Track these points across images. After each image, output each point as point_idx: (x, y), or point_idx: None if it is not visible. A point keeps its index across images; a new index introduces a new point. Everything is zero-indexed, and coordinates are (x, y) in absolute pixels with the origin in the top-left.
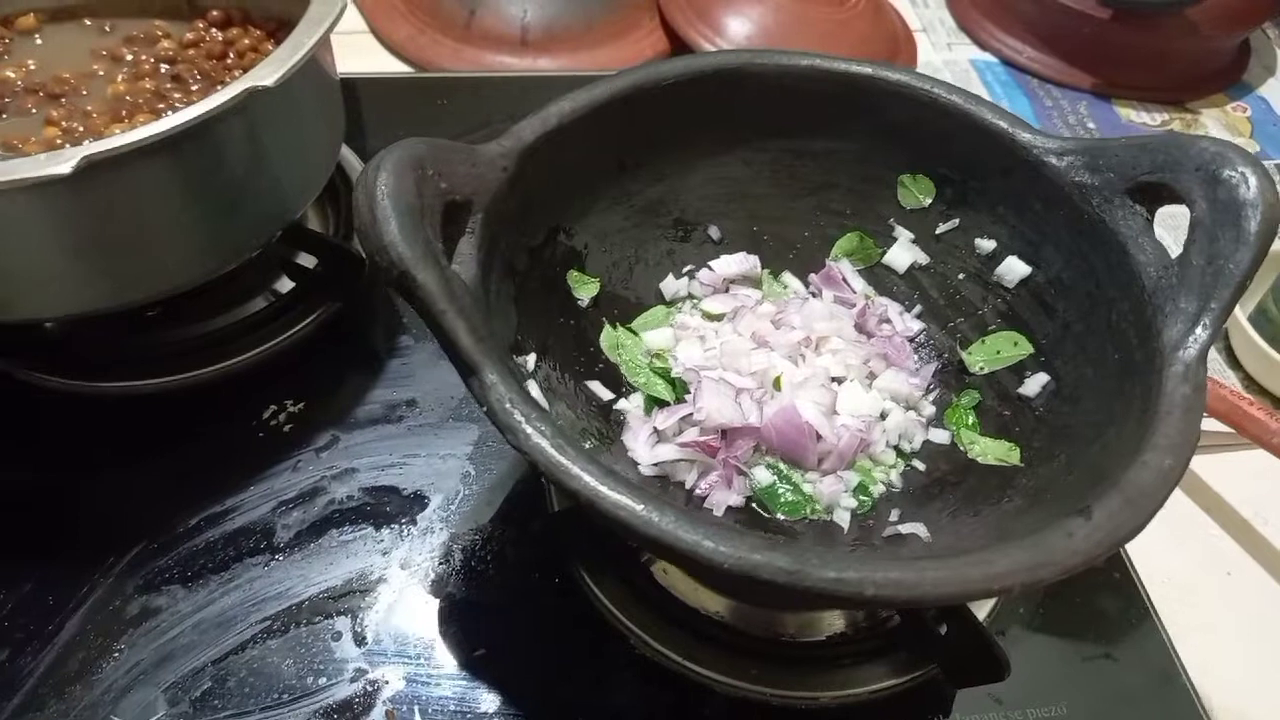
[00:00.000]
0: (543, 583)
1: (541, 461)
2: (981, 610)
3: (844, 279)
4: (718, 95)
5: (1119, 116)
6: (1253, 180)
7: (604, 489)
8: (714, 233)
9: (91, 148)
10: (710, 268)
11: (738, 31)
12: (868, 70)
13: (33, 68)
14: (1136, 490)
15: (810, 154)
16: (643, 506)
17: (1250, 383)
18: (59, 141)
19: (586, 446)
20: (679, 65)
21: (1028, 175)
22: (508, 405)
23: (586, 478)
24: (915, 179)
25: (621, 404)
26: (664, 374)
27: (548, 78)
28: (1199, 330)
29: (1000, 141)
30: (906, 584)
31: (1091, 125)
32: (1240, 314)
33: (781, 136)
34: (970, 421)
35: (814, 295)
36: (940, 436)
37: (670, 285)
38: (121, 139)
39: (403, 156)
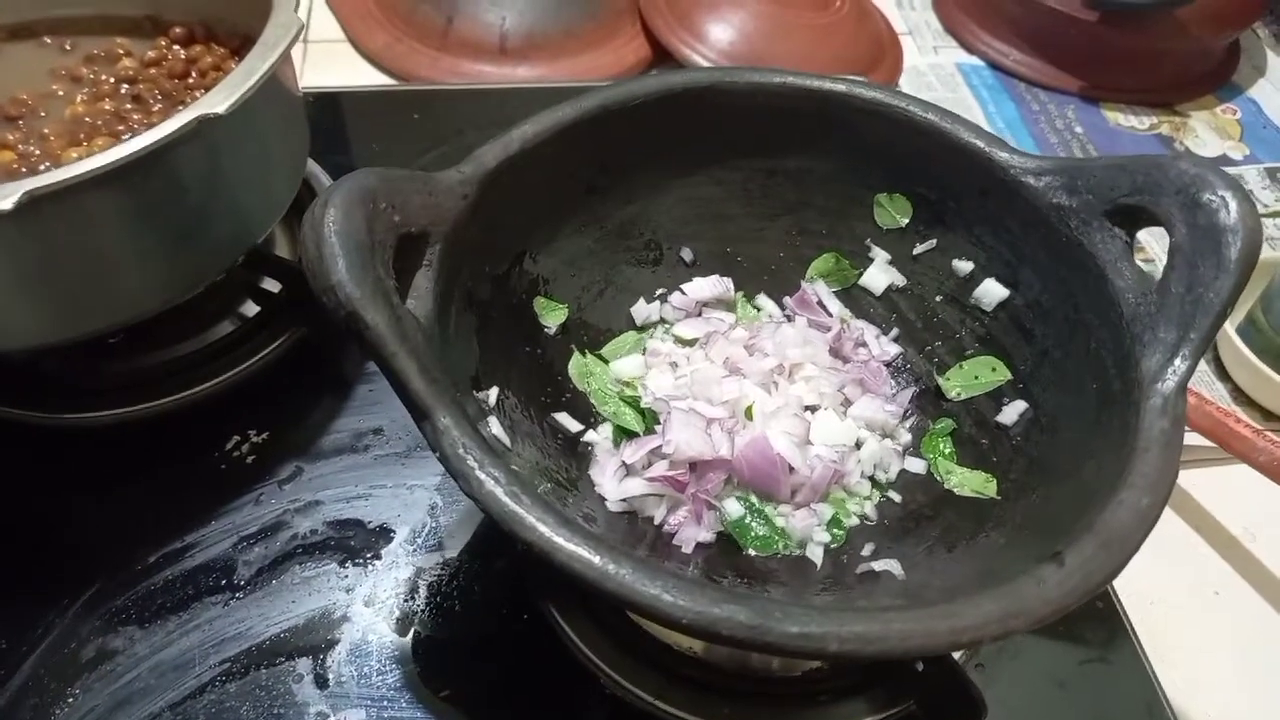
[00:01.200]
0: (511, 620)
1: (494, 510)
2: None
3: (819, 302)
4: (689, 114)
5: (1107, 120)
6: (1233, 205)
7: (559, 539)
8: (686, 255)
9: (32, 182)
10: (682, 291)
11: (719, 38)
12: (842, 88)
13: None
14: (1112, 533)
15: (784, 173)
16: (599, 558)
17: (1239, 394)
18: (15, 166)
19: (544, 488)
20: (648, 84)
21: (1005, 195)
22: (460, 450)
23: (541, 528)
24: (892, 198)
25: (590, 435)
26: (634, 403)
27: (527, 89)
28: (1178, 361)
29: (977, 161)
30: (872, 638)
31: (1079, 129)
32: (1229, 325)
33: (755, 155)
34: (947, 451)
35: (789, 318)
36: (917, 466)
37: (642, 310)
38: (65, 172)
39: (352, 190)
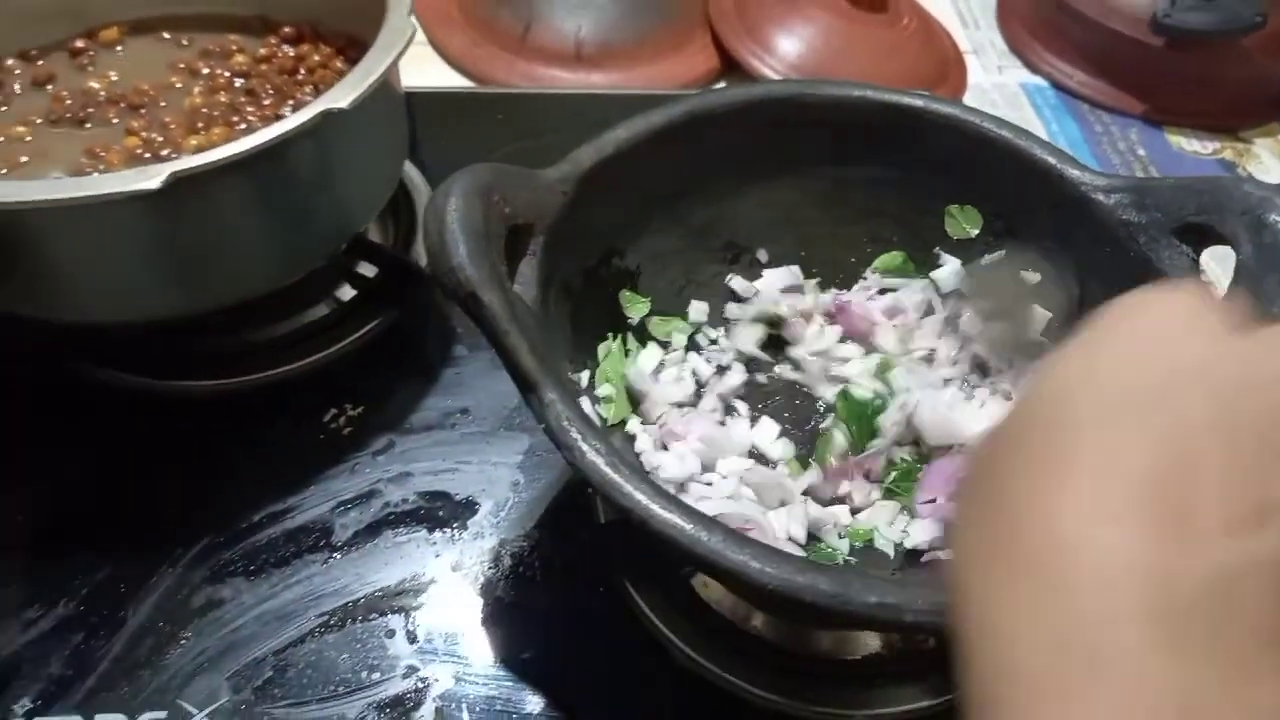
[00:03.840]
0: (588, 591)
1: (596, 479)
2: None
3: (864, 314)
4: (771, 123)
5: (1170, 144)
6: None
7: (655, 507)
8: (762, 255)
9: (179, 164)
10: (755, 279)
11: (788, 51)
12: (919, 102)
13: (114, 79)
14: None
15: (860, 182)
16: (691, 526)
17: None
18: (139, 151)
19: None
20: (734, 94)
21: (1075, 211)
22: (565, 423)
23: (639, 496)
24: (963, 210)
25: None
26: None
27: (603, 94)
28: None
29: (1048, 177)
30: (946, 610)
31: (1142, 152)
32: None
33: (832, 164)
34: None
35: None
36: None
37: (699, 309)
38: (206, 156)
39: (471, 183)
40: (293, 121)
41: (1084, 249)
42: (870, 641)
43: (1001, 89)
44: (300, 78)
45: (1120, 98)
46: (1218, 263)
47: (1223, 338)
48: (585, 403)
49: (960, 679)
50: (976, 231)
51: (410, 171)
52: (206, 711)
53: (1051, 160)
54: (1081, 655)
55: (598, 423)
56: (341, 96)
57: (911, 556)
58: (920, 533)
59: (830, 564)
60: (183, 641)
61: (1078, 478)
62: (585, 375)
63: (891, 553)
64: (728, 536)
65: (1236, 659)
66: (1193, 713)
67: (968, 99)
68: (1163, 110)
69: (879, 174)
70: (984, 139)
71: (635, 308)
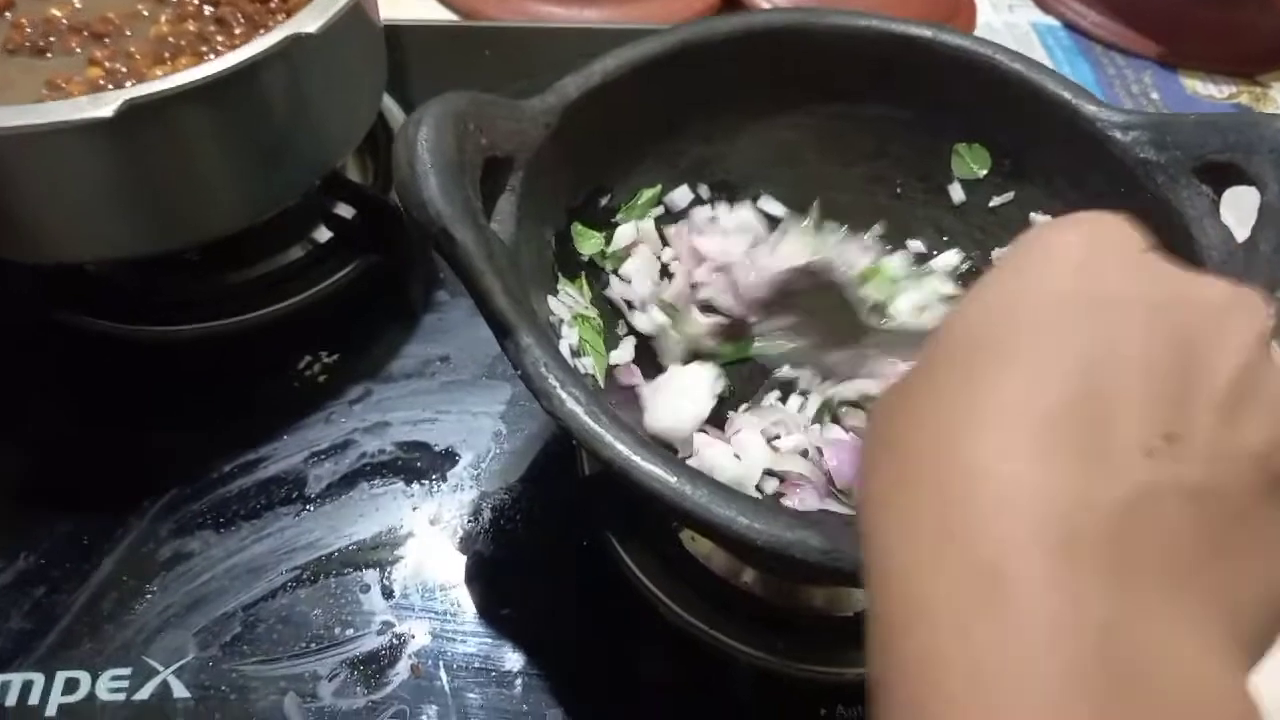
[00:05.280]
0: (571, 545)
1: (575, 428)
2: None
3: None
4: (770, 55)
5: (1184, 88)
6: None
7: (637, 459)
8: (758, 198)
9: (133, 91)
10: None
11: None
12: (927, 33)
13: (77, 6)
14: None
15: (864, 119)
16: (676, 479)
17: None
18: (102, 82)
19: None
20: (729, 22)
21: (1090, 149)
22: (542, 369)
23: (620, 446)
24: (971, 148)
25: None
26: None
27: (595, 30)
28: None
29: (1062, 113)
30: None
31: (1155, 96)
32: None
33: (835, 100)
34: None
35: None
36: None
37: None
38: (163, 83)
39: (444, 110)
40: (257, 47)
41: (1097, 189)
42: (862, 598)
43: (1012, 28)
44: (274, 5)
45: (1135, 39)
46: (1230, 209)
47: (1145, 264)
48: (563, 346)
49: (866, 617)
50: (985, 172)
51: (392, 108)
52: (172, 668)
53: (1066, 95)
54: (983, 584)
55: (577, 369)
56: (310, 21)
57: None
58: None
59: (822, 520)
60: (148, 596)
61: (987, 406)
62: (566, 314)
63: None
64: (715, 490)
65: (1151, 583)
66: (1099, 644)
67: None
68: (1178, 53)
69: (883, 111)
70: (995, 72)
71: (587, 243)
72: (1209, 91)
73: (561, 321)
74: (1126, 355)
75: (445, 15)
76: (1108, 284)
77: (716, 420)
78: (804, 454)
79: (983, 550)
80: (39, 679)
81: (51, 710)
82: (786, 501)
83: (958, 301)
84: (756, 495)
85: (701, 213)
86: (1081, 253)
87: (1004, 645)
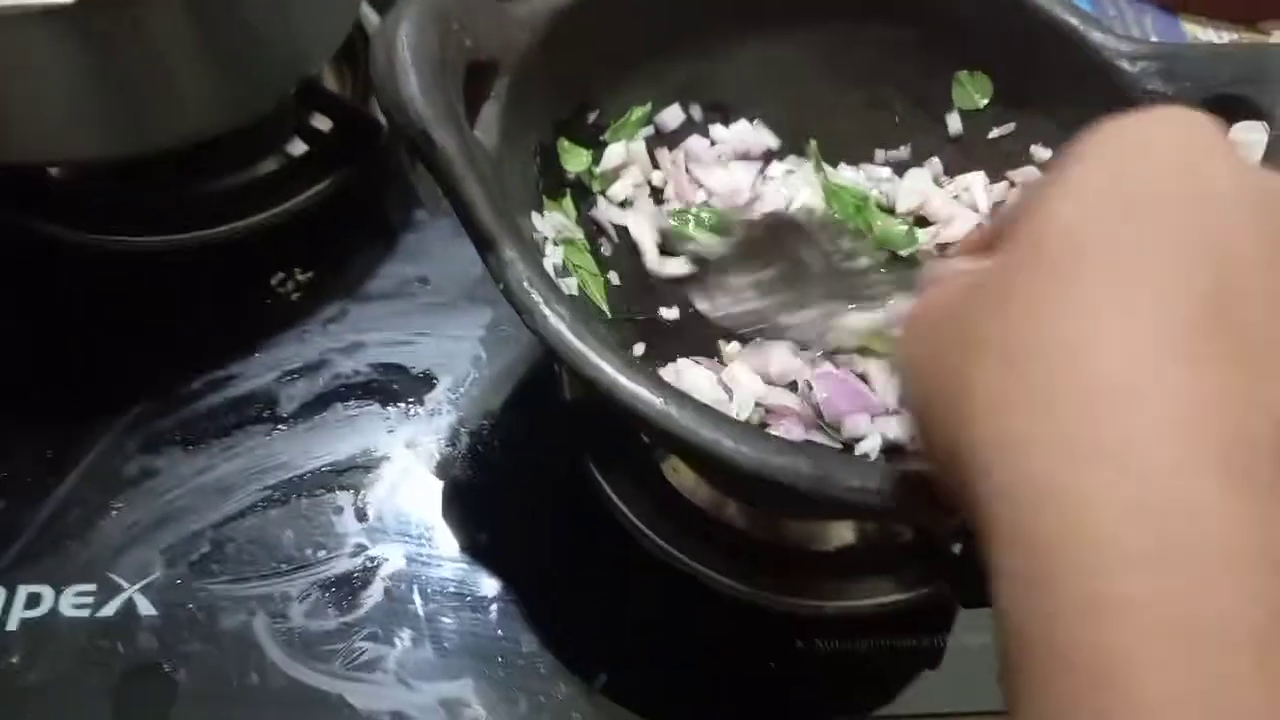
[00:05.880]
0: (550, 473)
1: (558, 346)
2: None
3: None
4: None
5: (1185, 33)
6: None
7: (622, 379)
8: (752, 119)
9: None
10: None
11: None
12: None
13: None
14: None
15: (864, 41)
16: (661, 400)
17: None
18: None
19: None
20: None
21: (1096, 79)
22: (525, 284)
23: (604, 365)
24: (973, 76)
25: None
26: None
27: None
28: None
29: (1069, 40)
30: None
31: (1155, 40)
32: None
33: (834, 19)
34: None
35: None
36: None
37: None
38: None
39: (427, 6)
40: None
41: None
42: (844, 534)
43: None
44: None
45: None
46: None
47: (1240, 162)
48: (548, 263)
49: (986, 555)
50: (986, 101)
51: (371, 17)
52: (138, 586)
53: (1074, 21)
54: (1154, 517)
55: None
56: None
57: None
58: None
59: (811, 447)
60: (113, 512)
61: (1119, 314)
62: (550, 228)
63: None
64: (701, 412)
65: None
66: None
67: None
68: None
69: (887, 33)
70: None
71: (574, 160)
72: (1209, 37)
73: (546, 240)
74: (1243, 255)
75: None
76: (1215, 182)
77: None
78: (792, 386)
79: (1147, 479)
80: (0, 593)
81: (13, 625)
82: (771, 432)
83: (1030, 196)
84: None
85: (698, 142)
86: (1183, 150)
87: (1200, 586)
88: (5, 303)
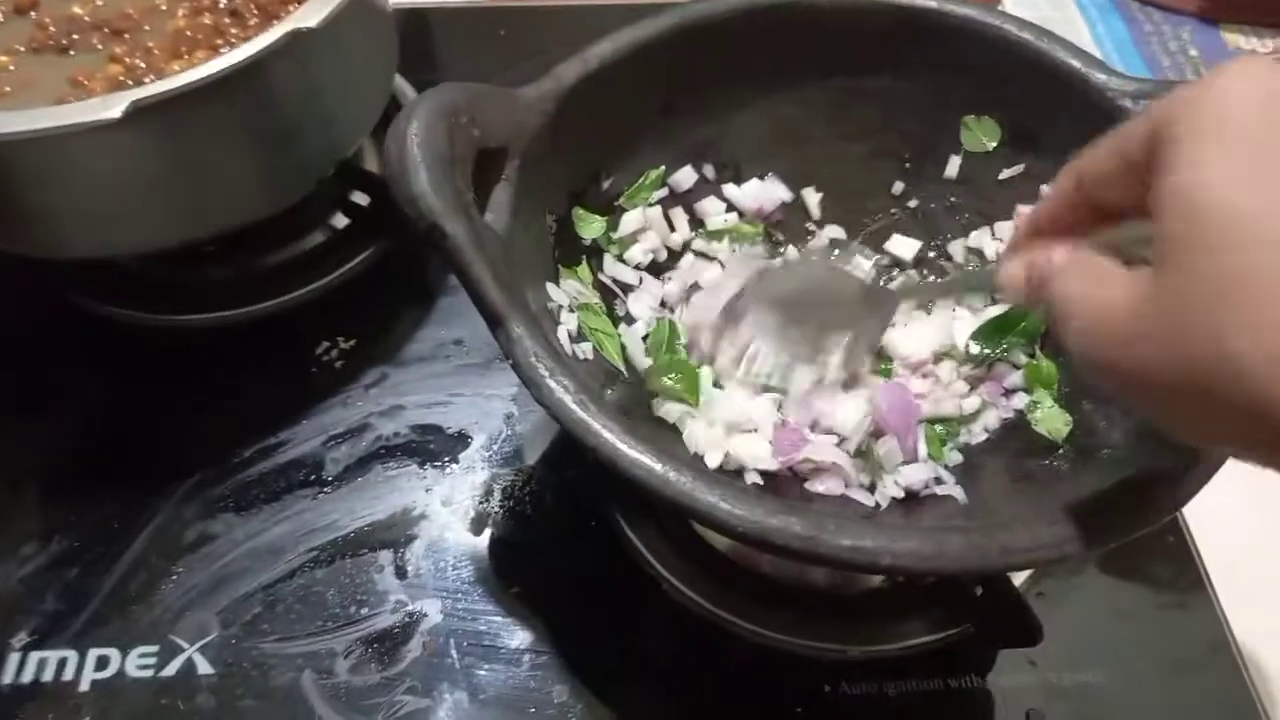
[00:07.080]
0: (579, 526)
1: (563, 416)
2: (1021, 571)
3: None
4: (770, 31)
5: (1225, 43)
6: None
7: (622, 447)
8: (763, 176)
9: (138, 92)
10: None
11: None
12: (932, 4)
13: (99, 3)
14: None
15: (868, 94)
16: (660, 466)
17: None
18: (122, 79)
19: (610, 395)
20: (728, 1)
21: (1101, 120)
22: (532, 359)
23: (606, 435)
24: (980, 120)
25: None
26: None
27: (613, 6)
28: None
29: (1073, 83)
30: (925, 555)
31: (1194, 52)
32: None
33: (838, 74)
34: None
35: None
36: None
37: (687, 176)
38: (167, 84)
39: (435, 104)
40: (258, 44)
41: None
42: (869, 578)
43: None
44: None
45: None
46: None
47: None
48: (562, 332)
49: None
50: (994, 144)
51: (407, 91)
52: (197, 646)
53: (1076, 64)
54: None
55: (577, 354)
56: (311, 15)
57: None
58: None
59: (805, 507)
60: (174, 577)
61: None
62: (565, 299)
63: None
64: (699, 477)
65: None
66: None
67: None
68: (1218, 6)
69: (888, 84)
70: (1004, 42)
71: (589, 227)
72: (1251, 46)
73: (561, 308)
74: None
75: None
76: None
77: None
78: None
79: None
80: (73, 656)
81: (85, 686)
82: (811, 485)
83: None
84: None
85: (712, 204)
86: None
87: None
88: (69, 382)
